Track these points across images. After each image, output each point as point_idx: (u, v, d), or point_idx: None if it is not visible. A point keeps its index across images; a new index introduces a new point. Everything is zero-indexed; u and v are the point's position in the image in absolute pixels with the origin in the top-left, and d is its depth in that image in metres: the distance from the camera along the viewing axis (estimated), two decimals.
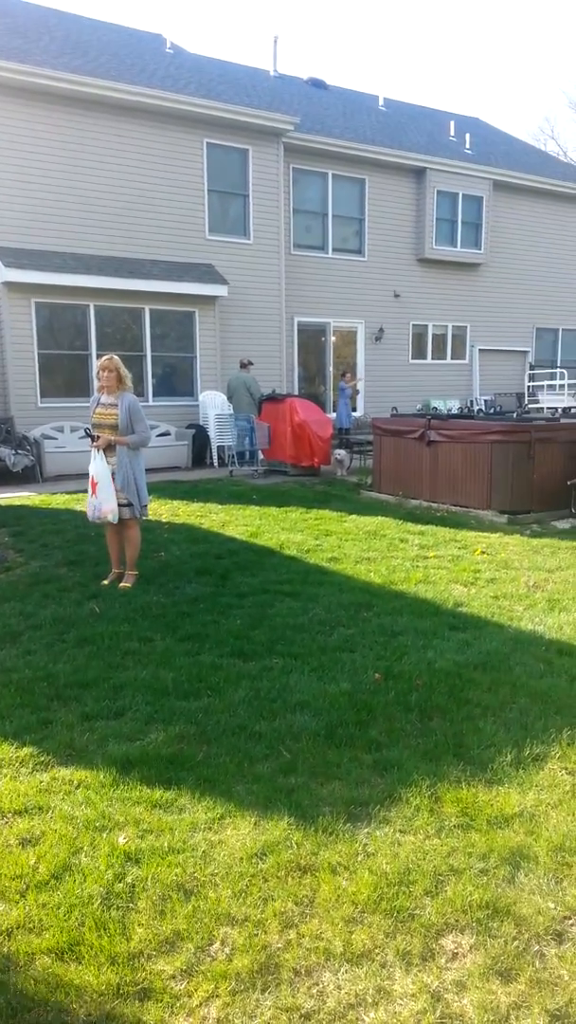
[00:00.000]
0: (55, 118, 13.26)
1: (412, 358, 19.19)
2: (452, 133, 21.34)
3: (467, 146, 20.67)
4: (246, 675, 4.53)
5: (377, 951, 2.43)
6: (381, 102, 22.04)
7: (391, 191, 18.11)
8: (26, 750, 3.66)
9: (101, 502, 6.33)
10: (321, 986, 2.30)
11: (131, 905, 2.62)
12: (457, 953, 2.43)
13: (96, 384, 6.52)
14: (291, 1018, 2.18)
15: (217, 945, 2.46)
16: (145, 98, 13.82)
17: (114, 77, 13.82)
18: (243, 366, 14.25)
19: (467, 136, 21.12)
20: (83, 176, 13.59)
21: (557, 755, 3.63)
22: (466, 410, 18.23)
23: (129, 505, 6.40)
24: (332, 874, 2.77)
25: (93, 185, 13.70)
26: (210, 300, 14.69)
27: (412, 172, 18.24)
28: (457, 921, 2.56)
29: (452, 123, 21.92)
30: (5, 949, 2.42)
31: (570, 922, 2.57)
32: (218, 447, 14.17)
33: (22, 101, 12.94)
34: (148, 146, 14.24)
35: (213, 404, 14.40)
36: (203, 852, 2.90)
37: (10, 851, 2.89)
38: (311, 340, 17.70)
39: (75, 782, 3.38)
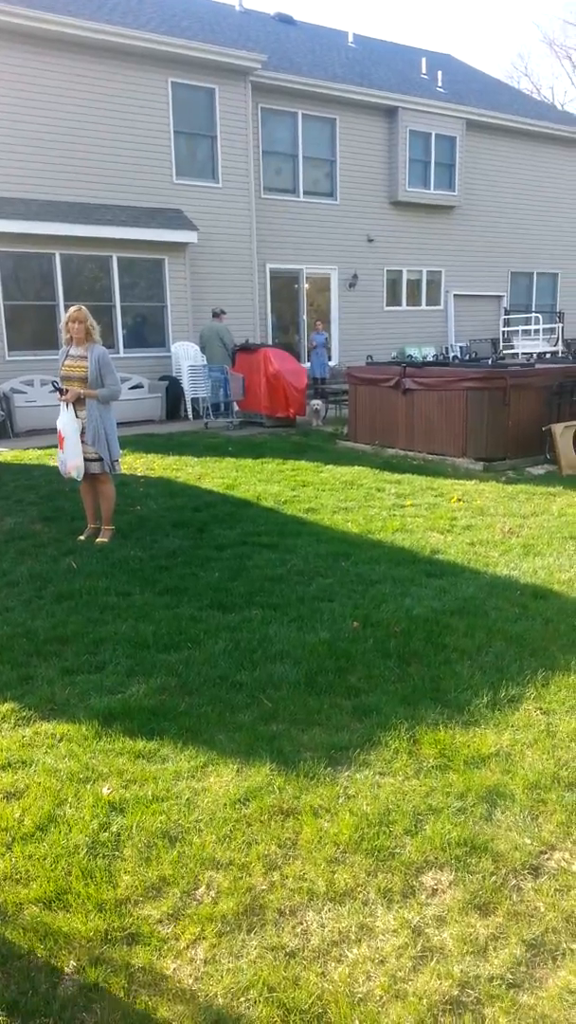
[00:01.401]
0: (14, 58, 12.74)
1: (387, 305, 18.99)
2: (424, 71, 20.82)
3: (439, 84, 20.18)
4: (226, 627, 4.56)
5: (359, 889, 2.50)
6: (351, 39, 21.39)
7: (363, 131, 17.69)
8: (7, 706, 3.67)
9: (67, 457, 6.25)
10: (305, 925, 2.36)
11: (117, 853, 2.66)
12: (437, 889, 2.50)
13: (63, 336, 6.38)
14: (276, 957, 2.24)
15: (203, 889, 2.51)
16: (106, 35, 13.29)
17: (72, 13, 13.25)
18: (215, 315, 14.02)
19: (439, 74, 20.60)
20: (45, 119, 13.11)
21: (532, 696, 3.71)
22: (441, 357, 18.15)
23: (100, 460, 6.32)
24: (314, 817, 2.83)
25: (56, 129, 13.24)
26: (180, 247, 14.37)
27: (383, 111, 17.82)
28: (436, 859, 2.62)
29: (424, 60, 21.37)
30: None
31: (545, 856, 2.65)
32: (192, 399, 14.02)
33: None
34: (112, 86, 13.74)
35: (186, 355, 14.20)
36: (187, 799, 2.94)
37: None
38: (284, 288, 17.43)
39: (58, 735, 3.40)
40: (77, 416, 6.22)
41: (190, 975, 2.18)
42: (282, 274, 17.22)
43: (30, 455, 10.26)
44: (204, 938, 2.31)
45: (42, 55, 12.97)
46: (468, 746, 3.28)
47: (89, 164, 13.66)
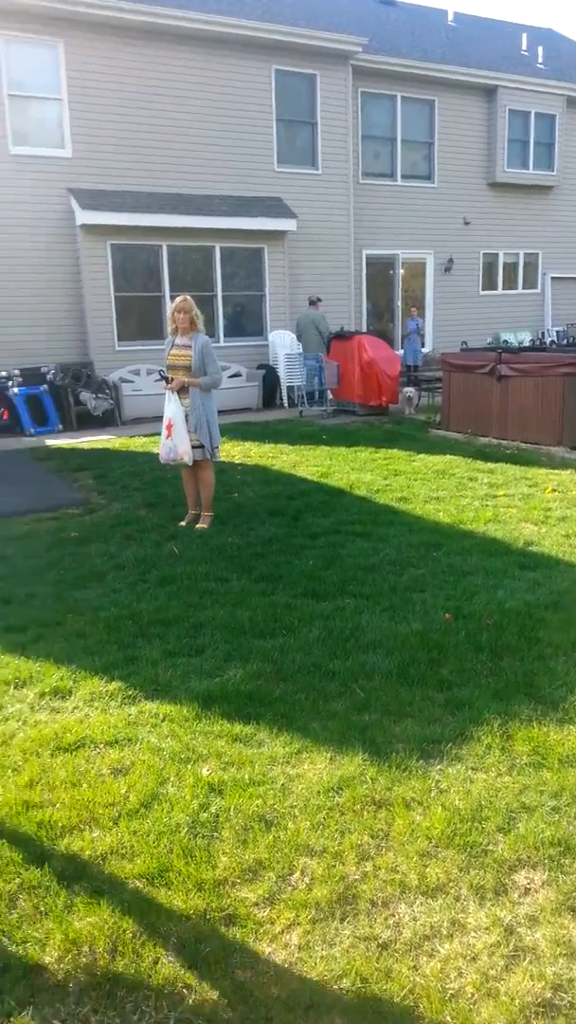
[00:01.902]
0: (126, 53, 13.07)
1: (482, 289, 18.59)
2: (524, 47, 20.13)
3: (540, 61, 19.50)
4: (319, 615, 4.63)
5: (451, 885, 2.52)
6: (450, 17, 20.85)
7: (461, 112, 17.32)
8: (114, 684, 3.86)
9: (176, 444, 6.45)
10: (397, 917, 2.41)
11: (215, 834, 2.77)
12: (529, 888, 2.50)
13: (169, 326, 6.57)
14: (368, 947, 2.30)
15: (297, 875, 2.59)
16: (213, 26, 13.45)
17: (180, 5, 13.45)
18: (312, 303, 14.06)
19: (540, 50, 19.88)
20: (153, 111, 13.41)
21: None
22: (538, 342, 17.63)
23: (201, 447, 6.49)
24: (406, 809, 2.87)
25: (163, 120, 13.52)
26: (279, 235, 14.45)
27: (483, 91, 17.38)
28: (529, 857, 2.62)
29: (524, 36, 20.66)
30: (101, 872, 2.61)
31: None
32: (287, 387, 14.13)
33: (94, 37, 12.77)
34: (216, 76, 13.91)
35: (282, 344, 14.30)
36: (282, 785, 3.03)
37: (103, 780, 3.08)
38: (379, 274, 17.28)
39: (160, 715, 3.56)
40: (182, 404, 6.40)
41: (284, 960, 2.27)
42: (378, 260, 17.08)
43: (136, 442, 10.60)
44: (298, 924, 2.39)
45: (148, 48, 13.24)
46: (563, 744, 3.25)
47: (195, 155, 13.88)
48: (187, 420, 6.42)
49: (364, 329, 16.37)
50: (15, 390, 12.03)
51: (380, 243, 16.85)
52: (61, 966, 2.24)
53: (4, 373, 12.25)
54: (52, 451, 10.24)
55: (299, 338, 14.02)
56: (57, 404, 12.27)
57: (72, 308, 13.25)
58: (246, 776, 3.08)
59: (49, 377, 12.44)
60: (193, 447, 6.47)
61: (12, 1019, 2.08)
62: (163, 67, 13.42)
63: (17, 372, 12.34)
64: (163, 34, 13.26)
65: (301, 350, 13.72)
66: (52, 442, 10.99)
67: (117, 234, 13.01)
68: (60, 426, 12.15)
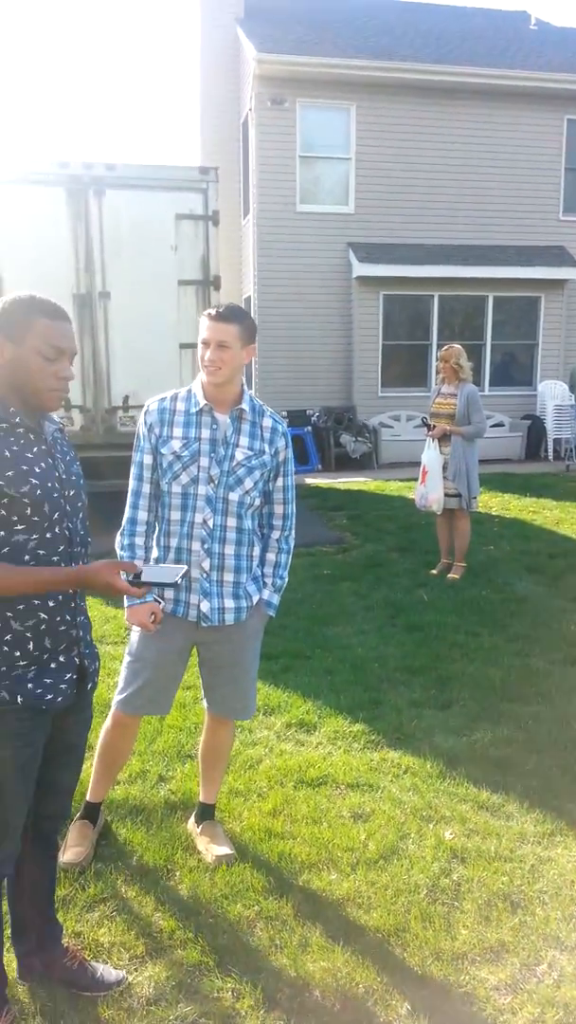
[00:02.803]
0: (411, 109, 13.50)
1: None
2: None
3: None
4: None
5: None
6: None
7: None
8: (358, 726, 3.84)
9: (428, 491, 6.39)
10: None
11: (456, 904, 2.62)
12: None
13: (437, 374, 6.58)
14: None
15: (544, 967, 2.36)
16: (505, 80, 13.48)
17: (473, 62, 13.66)
18: None
19: None
20: (432, 164, 13.67)
21: None
22: None
23: (459, 496, 6.36)
24: None
25: (442, 173, 13.72)
26: (559, 284, 13.98)
27: None
28: None
29: None
30: (338, 916, 2.56)
31: None
32: (555, 439, 13.51)
33: (382, 96, 13.35)
34: (504, 128, 13.88)
35: (552, 394, 13.74)
36: (531, 866, 2.80)
37: (343, 822, 3.06)
38: None
39: (403, 767, 3.47)
40: (441, 452, 6.34)
41: None
42: None
43: (391, 486, 10.70)
44: (543, 1022, 2.17)
45: (434, 105, 13.56)
46: None
47: (471, 206, 13.92)
48: (445, 468, 6.34)
49: None
50: None
51: None
52: (292, 1004, 2.22)
53: None
54: (311, 490, 10.62)
55: (571, 388, 13.39)
56: (318, 445, 12.76)
57: (340, 355, 13.78)
58: (492, 849, 2.89)
59: (313, 419, 12.98)
60: (450, 495, 6.37)
61: None
62: (447, 122, 13.65)
63: (284, 413, 13.03)
64: (453, 91, 13.51)
65: (573, 402, 13.08)
66: (311, 481, 11.41)
67: (390, 285, 13.36)
68: (319, 466, 12.60)
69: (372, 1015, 2.19)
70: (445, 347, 6.48)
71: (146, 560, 2.69)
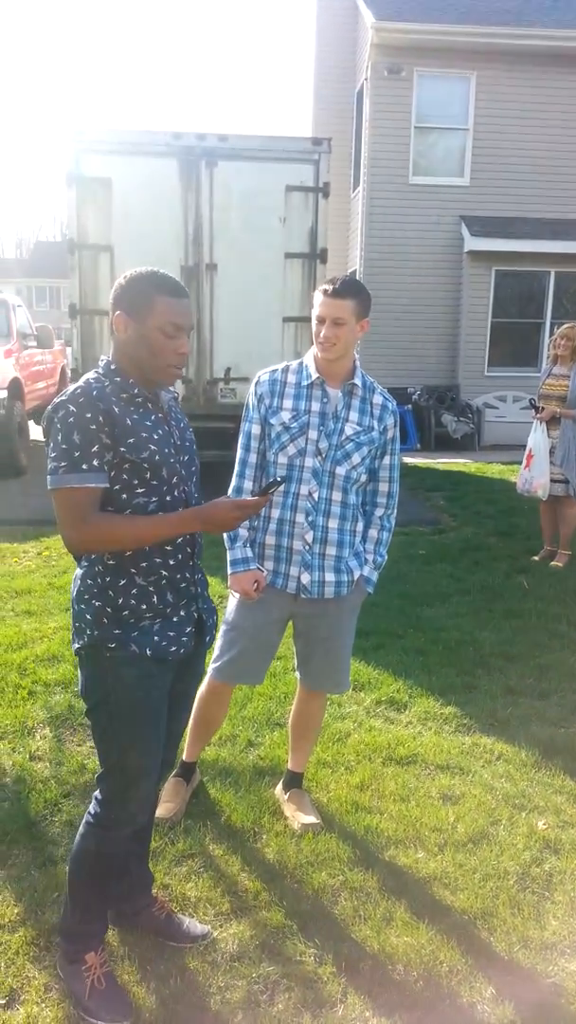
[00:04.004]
0: (535, 78, 12.95)
1: None
2: None
3: None
4: None
5: None
6: None
7: None
8: (450, 709, 3.78)
9: (534, 476, 6.18)
10: None
11: (546, 894, 2.55)
12: None
13: (546, 353, 6.33)
14: None
15: None
16: None
17: None
18: None
19: None
20: (555, 136, 13.09)
21: None
22: None
23: (566, 482, 6.13)
24: None
25: (564, 144, 13.13)
26: None
27: None
28: None
29: None
30: (424, 894, 2.54)
31: None
32: None
33: (504, 64, 12.84)
34: None
35: None
36: None
37: (431, 803, 3.02)
38: None
39: (496, 753, 3.40)
40: (549, 436, 6.13)
41: None
42: None
43: (492, 469, 10.44)
44: None
45: (557, 72, 12.95)
46: None
47: None
48: (552, 453, 6.11)
49: None
50: None
51: None
52: (374, 975, 2.21)
53: None
54: (409, 469, 10.48)
55: None
56: (418, 424, 12.56)
57: (446, 332, 13.48)
58: None
59: (415, 398, 12.78)
60: (556, 481, 6.14)
61: (325, 1010, 2.10)
62: (572, 91, 13.03)
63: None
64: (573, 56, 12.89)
65: None
66: (410, 460, 11.26)
67: (503, 260, 12.94)
68: (418, 445, 12.42)
69: (455, 995, 2.16)
70: (567, 325, 6.22)
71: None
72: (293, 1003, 2.12)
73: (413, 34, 12.53)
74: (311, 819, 2.84)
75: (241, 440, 2.74)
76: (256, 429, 2.70)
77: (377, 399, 2.68)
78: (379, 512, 2.79)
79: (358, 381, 2.64)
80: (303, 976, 2.21)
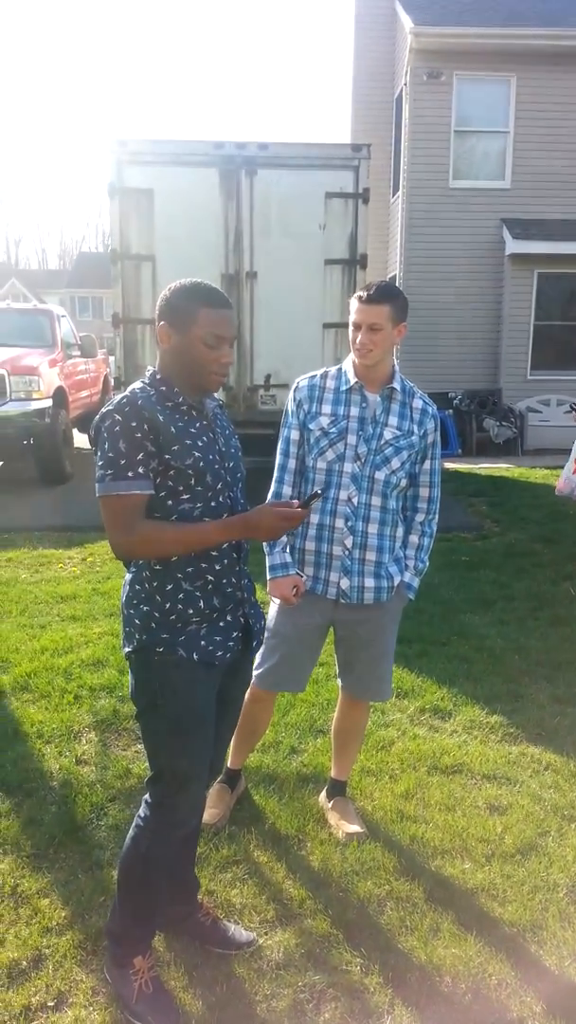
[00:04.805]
0: (572, 80, 12.78)
1: None
2: None
3: None
4: None
5: None
6: None
7: None
8: (495, 718, 3.73)
9: None
10: None
11: None
12: None
13: None
14: None
15: None
16: None
17: None
18: None
19: None
20: None
21: None
22: None
23: None
24: None
25: None
26: None
27: None
28: None
29: None
30: (471, 905, 2.50)
31: None
32: None
33: (546, 66, 12.69)
34: None
35: None
36: None
37: (478, 813, 2.98)
38: None
39: (544, 763, 3.34)
40: None
41: None
42: None
43: (536, 474, 10.31)
44: None
45: None
46: None
47: None
48: None
49: None
50: None
51: None
52: (421, 987, 2.19)
53: None
54: (451, 474, 10.40)
55: None
56: (460, 429, 12.44)
57: (488, 336, 13.35)
58: None
59: (455, 402, 12.67)
60: None
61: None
62: None
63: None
64: None
65: None
66: (451, 465, 11.17)
67: (546, 263, 12.77)
68: (459, 451, 12.30)
69: (505, 1008, 2.12)
70: None
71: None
72: (340, 1013, 2.11)
73: (452, 38, 12.46)
74: (356, 828, 2.83)
75: (280, 446, 2.75)
76: (295, 435, 2.70)
77: (417, 403, 2.67)
78: (420, 517, 2.77)
79: (397, 385, 2.63)
80: (349, 986, 2.19)
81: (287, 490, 2.72)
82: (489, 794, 3.11)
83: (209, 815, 2.84)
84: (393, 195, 14.55)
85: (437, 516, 2.80)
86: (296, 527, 1.95)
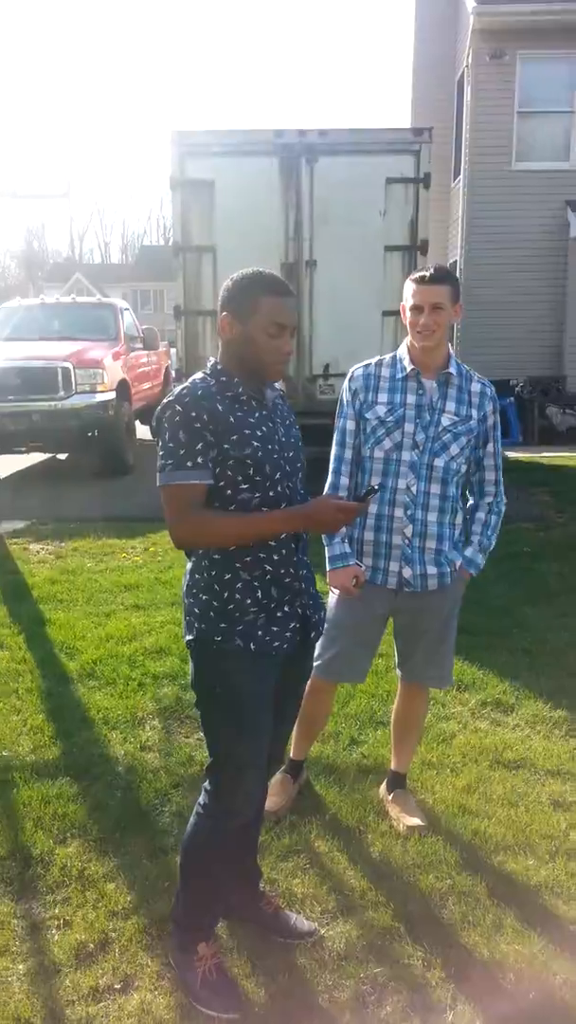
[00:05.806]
0: None
1: None
2: None
3: None
4: None
5: None
6: None
7: None
8: (560, 712, 3.66)
9: None
10: None
11: None
12: None
13: None
14: None
15: None
16: None
17: None
18: None
19: None
20: None
21: None
22: None
23: None
24: None
25: None
26: None
27: None
28: None
29: None
30: (534, 902, 2.47)
31: None
32: None
33: None
34: None
35: None
36: None
37: (542, 809, 2.94)
38: None
39: None
40: None
41: None
42: None
43: None
44: None
45: None
46: None
47: None
48: None
49: None
50: None
51: None
52: (484, 983, 2.17)
53: None
54: (512, 463, 10.19)
55: None
56: (521, 417, 12.20)
57: (551, 321, 13.04)
58: None
59: (517, 390, 12.42)
60: None
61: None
62: None
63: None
64: None
65: None
66: (512, 454, 10.95)
67: None
68: (521, 439, 12.07)
69: (570, 1008, 2.10)
70: None
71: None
72: (401, 1006, 2.11)
73: (516, 16, 12.18)
74: (416, 821, 2.81)
75: (336, 436, 2.74)
76: (351, 425, 2.69)
77: (475, 387, 2.64)
78: (488, 499, 2.75)
79: (453, 370, 2.60)
80: (411, 980, 2.19)
81: (344, 480, 2.72)
82: (553, 790, 3.06)
83: (271, 803, 2.86)
84: (454, 179, 14.30)
85: (504, 498, 2.77)
86: (353, 520, 1.94)
